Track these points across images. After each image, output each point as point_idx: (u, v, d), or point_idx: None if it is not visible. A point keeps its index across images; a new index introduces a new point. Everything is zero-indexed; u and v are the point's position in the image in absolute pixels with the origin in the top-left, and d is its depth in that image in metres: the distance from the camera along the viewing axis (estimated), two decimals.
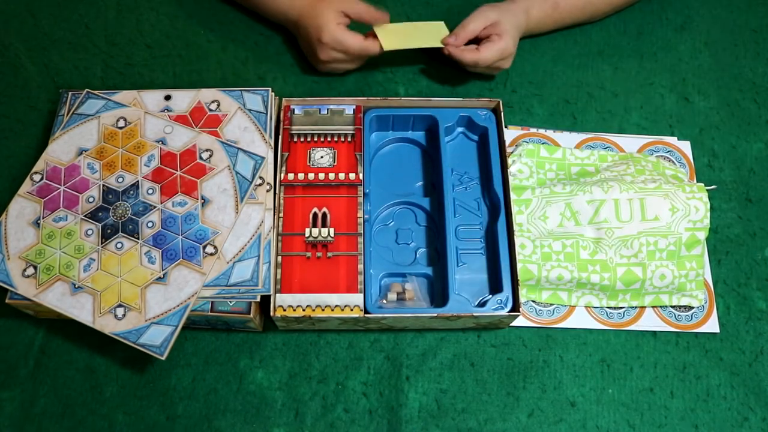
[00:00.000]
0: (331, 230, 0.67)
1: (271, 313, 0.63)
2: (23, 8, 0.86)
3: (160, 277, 0.64)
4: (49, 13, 0.86)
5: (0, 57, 0.83)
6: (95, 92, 0.72)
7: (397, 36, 0.78)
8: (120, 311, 0.62)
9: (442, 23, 0.79)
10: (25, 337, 0.69)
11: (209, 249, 0.65)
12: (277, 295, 0.64)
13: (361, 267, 0.65)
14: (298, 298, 0.64)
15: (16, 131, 0.79)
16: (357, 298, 0.64)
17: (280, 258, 0.66)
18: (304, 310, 0.64)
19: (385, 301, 0.66)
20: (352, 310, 0.64)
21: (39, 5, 0.87)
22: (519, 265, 0.68)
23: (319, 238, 0.67)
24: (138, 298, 0.63)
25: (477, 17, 0.76)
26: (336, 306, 0.64)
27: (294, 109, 0.73)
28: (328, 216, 0.68)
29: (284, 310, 0.63)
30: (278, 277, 0.65)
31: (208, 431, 0.65)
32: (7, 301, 0.64)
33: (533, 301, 0.71)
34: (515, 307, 0.64)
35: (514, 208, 0.71)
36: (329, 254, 0.66)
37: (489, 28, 0.76)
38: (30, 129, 0.79)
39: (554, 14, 0.82)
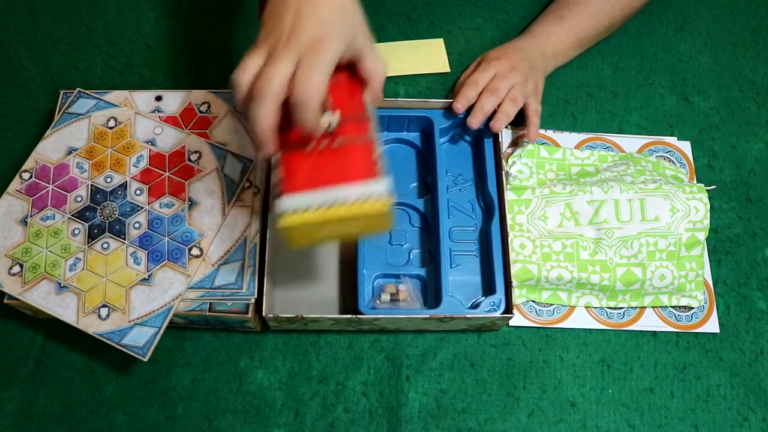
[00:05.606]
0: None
1: (263, 314, 0.63)
2: (23, 8, 0.86)
3: (145, 278, 0.63)
4: (49, 13, 0.86)
5: (0, 57, 0.83)
6: (87, 91, 0.72)
7: (395, 58, 0.72)
8: (104, 311, 0.62)
9: (440, 41, 0.75)
10: (25, 337, 0.69)
11: (195, 251, 0.65)
12: (283, 197, 0.50)
13: (378, 152, 0.52)
14: (308, 199, 0.49)
15: (16, 131, 0.79)
16: (380, 186, 0.50)
17: (275, 158, 0.52)
18: (315, 213, 0.50)
19: (378, 302, 0.66)
20: (375, 202, 0.50)
21: (39, 5, 0.87)
22: (519, 266, 0.68)
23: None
24: (122, 299, 0.62)
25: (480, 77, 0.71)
26: (356, 200, 0.50)
27: None
28: None
29: (291, 215, 0.49)
30: (277, 179, 0.52)
31: (208, 431, 0.65)
32: (6, 301, 0.64)
33: (533, 301, 0.71)
34: (508, 309, 0.64)
35: (515, 208, 0.71)
36: (336, 144, 0.53)
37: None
38: (30, 129, 0.79)
39: (573, 37, 0.78)
